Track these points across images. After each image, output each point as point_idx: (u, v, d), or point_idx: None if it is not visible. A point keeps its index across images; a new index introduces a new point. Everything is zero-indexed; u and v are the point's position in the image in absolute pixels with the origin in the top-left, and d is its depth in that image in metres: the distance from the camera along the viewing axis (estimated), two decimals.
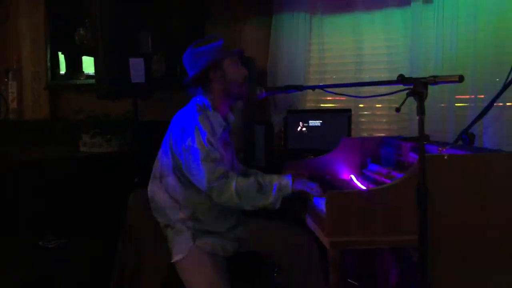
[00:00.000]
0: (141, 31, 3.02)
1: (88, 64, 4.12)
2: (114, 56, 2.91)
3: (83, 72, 4.17)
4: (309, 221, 1.88)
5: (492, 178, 1.62)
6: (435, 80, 1.54)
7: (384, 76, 3.37)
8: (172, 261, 2.01)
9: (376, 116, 3.55)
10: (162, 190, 2.08)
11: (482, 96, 3.02)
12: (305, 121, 3.37)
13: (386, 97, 3.15)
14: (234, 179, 1.94)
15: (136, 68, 2.93)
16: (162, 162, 2.10)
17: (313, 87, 2.38)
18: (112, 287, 2.15)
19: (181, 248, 2.01)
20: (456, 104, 3.14)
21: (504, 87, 2.26)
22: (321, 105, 3.69)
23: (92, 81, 3.45)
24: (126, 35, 2.94)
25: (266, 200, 1.93)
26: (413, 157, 2.03)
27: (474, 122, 2.33)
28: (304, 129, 3.37)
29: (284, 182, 1.94)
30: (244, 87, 2.14)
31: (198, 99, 2.12)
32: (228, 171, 1.98)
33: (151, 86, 3.03)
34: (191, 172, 1.98)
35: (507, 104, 2.99)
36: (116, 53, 2.91)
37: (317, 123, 3.36)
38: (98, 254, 2.72)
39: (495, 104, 2.35)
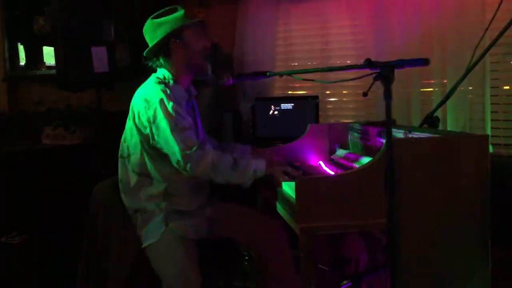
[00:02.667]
0: (104, 19, 2.93)
1: (49, 55, 4.00)
2: (75, 45, 2.82)
3: (44, 62, 4.03)
4: (279, 208, 1.88)
5: (457, 159, 1.65)
6: (402, 64, 1.55)
7: (350, 62, 3.39)
8: (143, 246, 1.97)
9: (343, 103, 3.58)
10: (131, 170, 2.03)
11: (445, 80, 3.09)
12: (276, 106, 3.38)
13: (352, 83, 3.19)
14: (211, 151, 1.93)
15: (99, 57, 2.85)
16: (127, 140, 2.05)
17: (280, 73, 2.36)
18: (79, 280, 2.10)
19: (153, 232, 1.97)
20: (420, 89, 3.20)
21: (467, 72, 2.29)
22: (290, 92, 3.70)
23: (54, 71, 3.34)
24: (87, 23, 2.84)
25: (239, 178, 1.93)
26: (380, 141, 2.04)
27: (438, 106, 2.36)
28: (276, 112, 3.37)
29: (260, 163, 1.95)
30: (205, 60, 2.09)
31: (158, 73, 2.07)
32: (203, 142, 1.95)
33: (115, 75, 2.96)
34: (162, 144, 1.93)
35: (469, 88, 3.06)
36: (77, 42, 2.82)
37: (288, 106, 3.36)
38: (64, 249, 2.67)
39: (458, 88, 2.39)
